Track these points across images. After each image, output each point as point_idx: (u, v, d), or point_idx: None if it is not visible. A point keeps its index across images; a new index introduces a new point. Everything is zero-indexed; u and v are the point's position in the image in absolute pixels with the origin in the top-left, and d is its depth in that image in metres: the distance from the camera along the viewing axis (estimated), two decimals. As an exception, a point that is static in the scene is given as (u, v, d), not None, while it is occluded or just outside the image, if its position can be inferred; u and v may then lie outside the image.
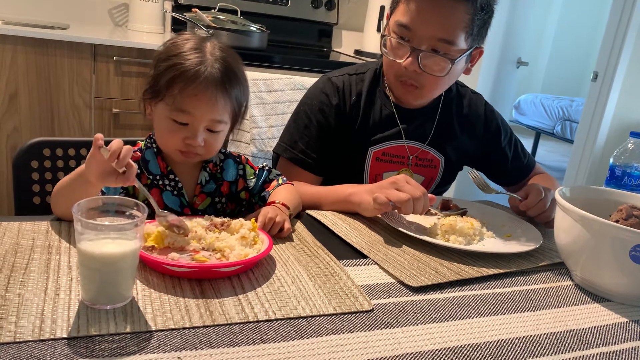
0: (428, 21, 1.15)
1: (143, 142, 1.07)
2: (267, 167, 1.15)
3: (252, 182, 1.13)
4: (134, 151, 1.03)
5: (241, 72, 1.04)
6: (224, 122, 1.02)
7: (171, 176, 1.05)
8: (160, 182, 1.05)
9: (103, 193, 0.98)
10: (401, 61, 1.19)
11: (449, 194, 1.57)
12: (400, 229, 1.04)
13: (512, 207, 1.27)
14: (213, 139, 1.02)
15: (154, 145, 1.06)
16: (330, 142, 1.30)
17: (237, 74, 1.02)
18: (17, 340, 0.62)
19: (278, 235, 0.99)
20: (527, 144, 5.79)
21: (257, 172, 1.14)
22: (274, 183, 1.13)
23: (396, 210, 1.06)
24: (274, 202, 1.04)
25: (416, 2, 1.15)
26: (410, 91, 1.24)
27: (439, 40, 1.16)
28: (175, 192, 1.05)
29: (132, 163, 0.84)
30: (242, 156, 1.14)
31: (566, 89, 6.73)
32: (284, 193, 1.08)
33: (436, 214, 1.16)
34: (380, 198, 1.04)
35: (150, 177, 1.04)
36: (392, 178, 1.09)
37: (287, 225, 0.99)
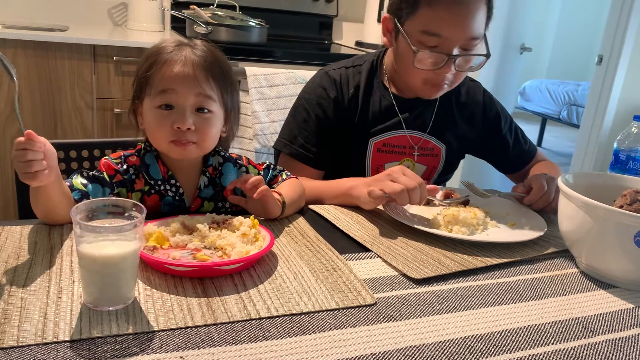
0: (461, 24, 1.14)
1: (142, 145, 1.03)
2: (272, 166, 1.14)
3: None
4: (131, 155, 1.02)
5: (226, 65, 1.01)
6: (213, 100, 0.97)
7: (172, 181, 1.01)
8: (162, 188, 1.01)
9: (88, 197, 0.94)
10: (440, 71, 1.17)
11: (452, 182, 1.56)
12: (402, 221, 1.04)
13: (517, 200, 1.26)
14: (204, 123, 0.97)
15: (154, 149, 1.02)
16: (330, 135, 1.30)
17: (221, 64, 0.99)
18: (20, 344, 0.62)
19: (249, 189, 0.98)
20: (533, 130, 5.80)
21: (261, 172, 1.12)
22: (279, 178, 1.13)
23: (395, 202, 1.06)
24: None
25: (445, 8, 1.12)
26: (440, 89, 1.24)
27: (470, 40, 1.16)
28: (177, 198, 1.02)
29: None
30: (244, 157, 1.11)
31: (571, 73, 6.67)
32: (285, 188, 1.08)
33: (437, 204, 1.15)
34: (374, 192, 1.04)
35: (152, 182, 1.01)
36: (389, 170, 1.08)
37: (263, 190, 0.98)
